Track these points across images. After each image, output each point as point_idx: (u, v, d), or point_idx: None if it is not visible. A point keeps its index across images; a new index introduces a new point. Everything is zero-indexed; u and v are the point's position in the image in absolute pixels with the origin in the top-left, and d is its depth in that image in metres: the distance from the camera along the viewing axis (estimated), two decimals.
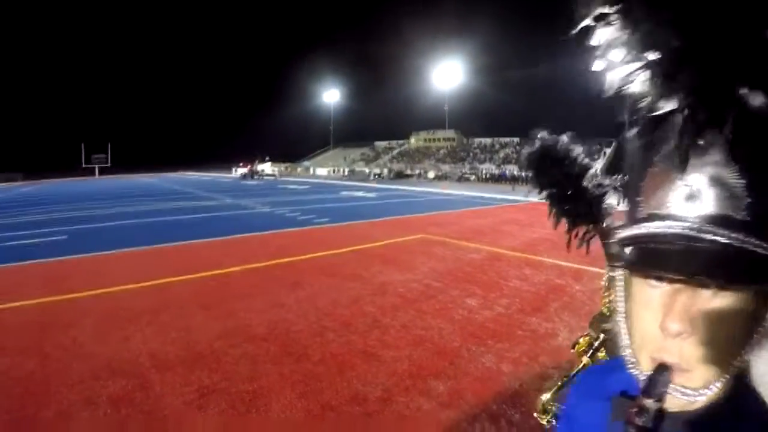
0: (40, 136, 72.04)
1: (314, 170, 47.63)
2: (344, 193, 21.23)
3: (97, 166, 65.84)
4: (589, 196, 1.41)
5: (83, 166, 65.25)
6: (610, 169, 1.42)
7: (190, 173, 58.30)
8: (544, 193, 1.49)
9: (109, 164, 66.89)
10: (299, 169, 48.42)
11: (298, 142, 60.69)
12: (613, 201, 1.38)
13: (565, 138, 1.48)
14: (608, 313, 1.56)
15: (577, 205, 1.43)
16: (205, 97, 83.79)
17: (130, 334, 4.47)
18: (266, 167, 43.16)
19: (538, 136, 1.52)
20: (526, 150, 1.54)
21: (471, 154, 43.12)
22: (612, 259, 1.10)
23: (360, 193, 20.55)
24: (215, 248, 8.68)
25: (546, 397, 1.51)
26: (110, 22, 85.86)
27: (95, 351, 4.12)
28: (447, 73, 51.29)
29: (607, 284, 1.54)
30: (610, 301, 1.54)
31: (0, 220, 14.78)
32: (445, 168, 38.75)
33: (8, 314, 5.18)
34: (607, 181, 1.41)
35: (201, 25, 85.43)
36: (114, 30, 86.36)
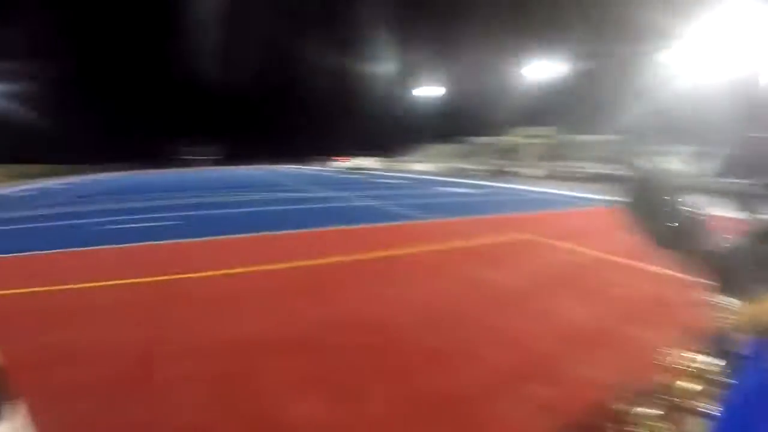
0: (152, 128, 79.46)
1: (412, 165, 48.03)
2: (441, 188, 21.19)
3: (207, 157, 72.61)
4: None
5: (194, 158, 72.13)
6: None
7: (292, 166, 61.68)
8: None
9: (216, 156, 73.32)
10: (397, 164, 49.08)
11: (395, 136, 61.29)
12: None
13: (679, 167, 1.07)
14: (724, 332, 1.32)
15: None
16: (304, 92, 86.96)
17: (238, 316, 4.84)
18: (364, 161, 44.18)
19: (639, 166, 1.12)
20: (625, 183, 1.11)
21: (571, 152, 40.97)
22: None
23: (458, 189, 20.38)
24: (318, 239, 9.17)
25: (639, 410, 1.38)
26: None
27: (205, 329, 4.52)
28: (545, 66, 49.14)
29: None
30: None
31: (116, 204, 17.38)
32: (544, 165, 37.20)
33: (126, 289, 5.91)
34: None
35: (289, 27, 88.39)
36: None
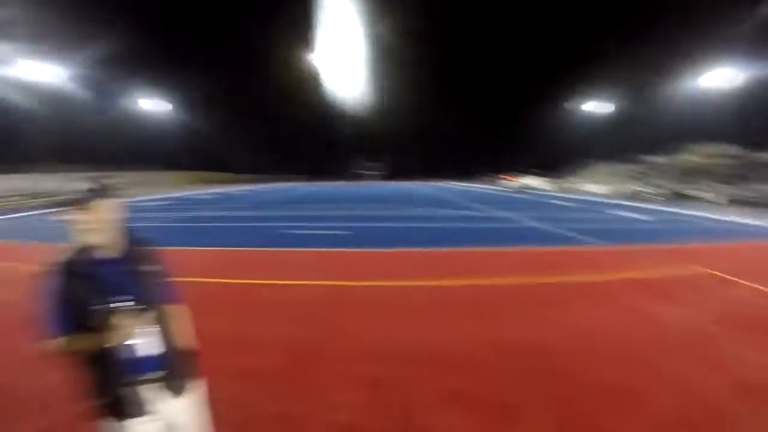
0: (327, 143, 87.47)
1: (582, 185, 46.10)
2: (613, 212, 19.80)
3: (373, 172, 77.89)
4: None
5: (364, 172, 78.07)
6: None
7: (458, 184, 62.85)
8: None
9: (384, 172, 78.29)
10: (565, 184, 47.51)
11: (564, 155, 59.02)
12: None
13: None
14: None
15: None
16: (470, 112, 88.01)
17: (401, 327, 5.02)
18: (531, 180, 43.55)
19: None
20: None
21: (757, 173, 34.63)
22: None
23: (631, 214, 18.85)
24: (482, 257, 9.23)
25: None
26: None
27: (368, 335, 4.78)
28: (726, 74, 42.67)
29: None
30: None
31: (295, 212, 19.88)
32: (726, 189, 32.42)
33: (297, 289, 6.62)
34: None
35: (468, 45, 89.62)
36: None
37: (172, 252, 7.94)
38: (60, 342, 1.64)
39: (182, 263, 8.79)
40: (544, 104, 65.68)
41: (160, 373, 1.80)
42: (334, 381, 3.75)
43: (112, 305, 1.67)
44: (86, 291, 1.68)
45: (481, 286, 6.86)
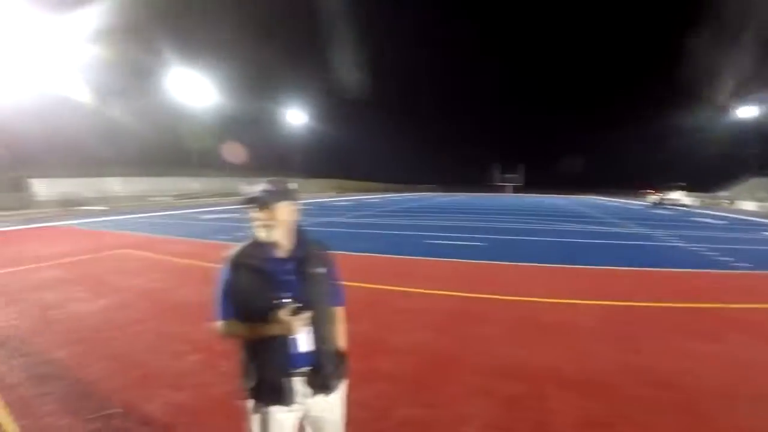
0: (459, 154, 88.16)
1: (732, 203, 40.55)
2: None
3: (509, 184, 76.47)
4: None
5: (497, 183, 77.19)
6: None
7: (597, 197, 60.38)
8: None
9: (521, 183, 76.54)
10: (713, 200, 42.12)
11: (713, 169, 52.38)
12: None
13: None
14: None
15: None
16: (612, 123, 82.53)
17: (537, 344, 4.89)
18: (679, 196, 39.72)
19: None
20: None
21: None
22: None
23: None
24: (621, 277, 8.70)
25: None
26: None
27: (503, 350, 4.72)
28: None
29: None
30: None
31: (430, 221, 20.56)
32: None
33: (435, 299, 6.75)
34: None
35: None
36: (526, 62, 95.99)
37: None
38: (224, 325, 1.87)
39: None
40: (689, 108, 58.68)
41: (311, 369, 1.91)
42: (464, 392, 3.77)
43: (276, 301, 1.80)
44: (254, 284, 1.84)
45: (617, 307, 6.50)
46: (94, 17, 34.96)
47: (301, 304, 1.81)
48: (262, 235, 1.87)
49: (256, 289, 1.83)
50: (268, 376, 1.86)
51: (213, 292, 1.88)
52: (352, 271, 8.72)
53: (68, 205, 33.29)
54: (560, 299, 6.82)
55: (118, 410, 3.46)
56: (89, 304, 6.59)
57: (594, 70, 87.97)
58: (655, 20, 73.93)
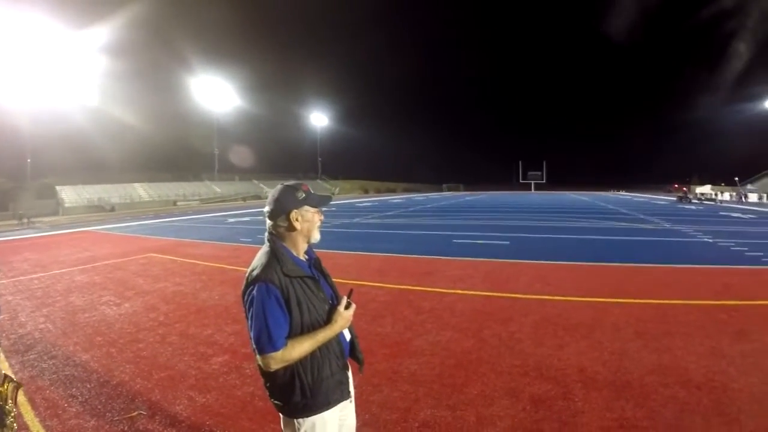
0: (482, 153, 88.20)
1: (763, 196, 39.37)
2: None
3: (532, 182, 75.77)
4: None
5: (520, 181, 76.74)
6: None
7: (621, 193, 59.36)
8: None
9: (543, 181, 75.77)
10: (745, 194, 41.04)
11: (738, 161, 50.91)
12: None
13: None
14: None
15: None
16: (634, 117, 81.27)
17: (563, 344, 4.78)
18: (706, 190, 38.76)
19: None
20: None
21: None
22: None
23: None
24: (650, 275, 8.44)
25: None
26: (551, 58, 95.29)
27: (528, 350, 4.62)
28: None
29: None
30: None
31: (453, 221, 20.58)
32: None
33: (458, 298, 6.73)
34: None
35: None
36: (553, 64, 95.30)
37: (339, 255, 9.70)
38: (287, 350, 1.69)
39: (346, 266, 9.55)
40: (723, 102, 57.20)
41: (351, 355, 2.00)
42: (488, 393, 3.71)
43: (331, 300, 1.89)
44: (308, 292, 1.80)
45: (646, 305, 6.31)
46: (116, 27, 35.74)
47: (347, 297, 1.88)
48: (317, 236, 1.91)
49: (312, 296, 1.81)
50: (331, 375, 1.83)
51: (254, 323, 1.69)
52: (374, 272, 8.92)
53: (95, 211, 34.11)
54: (587, 297, 6.72)
55: (144, 412, 3.50)
56: (115, 307, 6.75)
57: (616, 66, 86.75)
58: (679, 16, 72.39)
